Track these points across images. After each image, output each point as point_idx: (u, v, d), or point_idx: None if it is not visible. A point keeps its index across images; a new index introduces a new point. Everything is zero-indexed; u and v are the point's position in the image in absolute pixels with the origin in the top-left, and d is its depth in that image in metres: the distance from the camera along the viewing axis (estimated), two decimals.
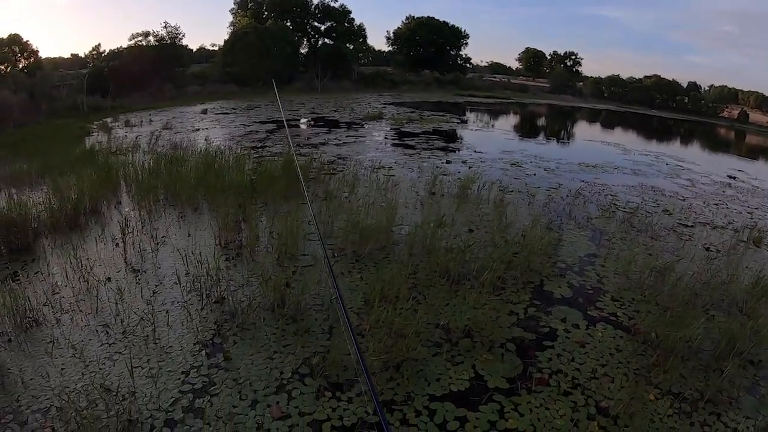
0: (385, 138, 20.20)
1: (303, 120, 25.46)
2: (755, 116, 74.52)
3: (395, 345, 4.95)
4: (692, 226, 10.92)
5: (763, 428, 4.76)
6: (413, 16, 65.05)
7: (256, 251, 7.34)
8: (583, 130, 36.25)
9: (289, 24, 53.48)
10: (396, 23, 73.02)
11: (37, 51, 39.94)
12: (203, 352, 4.96)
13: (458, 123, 27.93)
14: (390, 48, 67.99)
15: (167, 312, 5.63)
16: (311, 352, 5.02)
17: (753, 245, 10.26)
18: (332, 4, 57.10)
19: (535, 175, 14.50)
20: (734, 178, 19.79)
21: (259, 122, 23.10)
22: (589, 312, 6.41)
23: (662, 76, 75.60)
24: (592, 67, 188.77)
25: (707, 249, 9.54)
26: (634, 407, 4.65)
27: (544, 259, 7.66)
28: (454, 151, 17.77)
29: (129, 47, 44.05)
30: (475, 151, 17.83)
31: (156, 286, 6.28)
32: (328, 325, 5.53)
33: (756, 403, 5.12)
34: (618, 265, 7.97)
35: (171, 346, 5.02)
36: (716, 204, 13.69)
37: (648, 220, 10.66)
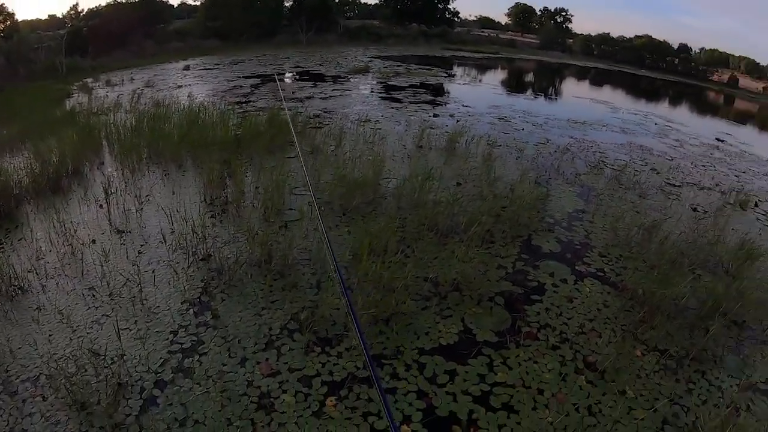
0: (372, 92, 19.95)
1: (288, 74, 25.11)
2: (745, 82, 74.44)
3: (384, 299, 4.94)
4: (680, 186, 10.95)
5: (746, 387, 4.83)
6: None
7: (242, 207, 7.27)
8: (571, 87, 36.15)
9: None
10: None
11: (14, 14, 38.67)
12: (191, 311, 4.93)
13: (445, 77, 27.70)
14: (377, 1, 67.00)
15: (153, 272, 5.57)
16: (299, 307, 5.00)
17: (740, 208, 10.33)
18: None
19: (523, 130, 14.42)
20: (722, 141, 19.82)
21: (243, 77, 22.73)
22: (577, 267, 6.43)
23: (653, 37, 75.32)
24: (583, 24, 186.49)
25: (694, 209, 9.59)
26: (621, 363, 4.70)
27: (533, 213, 7.64)
28: (442, 105, 17.58)
29: (108, 5, 42.88)
30: (463, 105, 17.68)
31: (141, 246, 6.20)
32: (315, 280, 5.50)
33: (739, 363, 5.21)
34: (606, 222, 7.99)
35: (158, 307, 4.99)
36: (704, 166, 13.72)
37: (636, 178, 10.66)
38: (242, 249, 5.99)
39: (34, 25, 53.68)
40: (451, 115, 15.26)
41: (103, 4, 43.46)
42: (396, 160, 9.79)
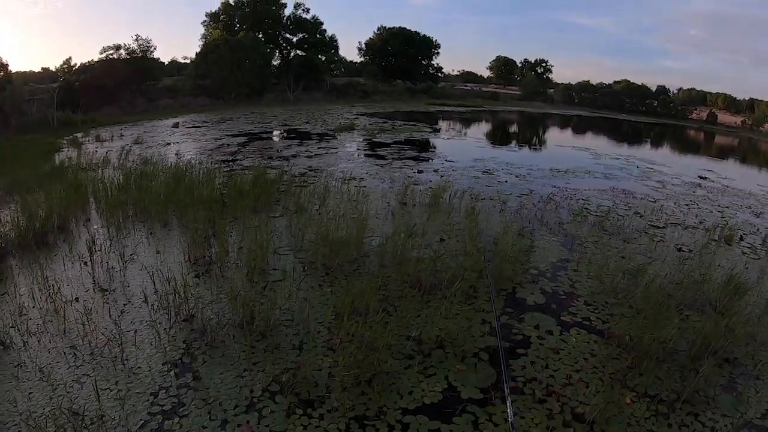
0: (357, 149, 20.16)
1: (275, 132, 25.34)
2: (723, 117, 76.75)
3: (366, 358, 4.87)
4: (664, 227, 11.01)
5: (741, 426, 4.77)
6: (385, 27, 65.70)
7: (225, 267, 7.23)
8: (554, 135, 36.61)
9: (261, 36, 53.18)
10: (368, 34, 73.23)
11: (7, 65, 38.90)
12: (172, 372, 4.85)
13: (430, 132, 28.06)
14: (362, 59, 68.37)
15: (135, 332, 5.50)
16: (282, 368, 4.92)
17: (725, 243, 10.39)
18: (304, 15, 56.99)
19: (506, 182, 14.54)
20: (704, 178, 20.10)
21: (230, 135, 23.06)
22: (562, 317, 6.40)
23: (631, 81, 77.38)
24: (563, 73, 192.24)
25: (679, 249, 9.62)
26: (610, 411, 4.61)
27: (517, 266, 7.63)
28: (426, 161, 17.80)
29: (100, 60, 43.28)
30: (447, 160, 17.88)
31: (124, 305, 6.13)
32: (298, 341, 5.43)
33: (733, 401, 5.14)
34: (591, 269, 8.00)
35: (139, 367, 4.90)
36: (687, 204, 13.84)
37: (620, 223, 10.74)
38: (225, 310, 5.95)
39: (27, 76, 54.25)
40: (435, 171, 15.40)
41: (96, 59, 43.86)
42: (380, 217, 9.81)
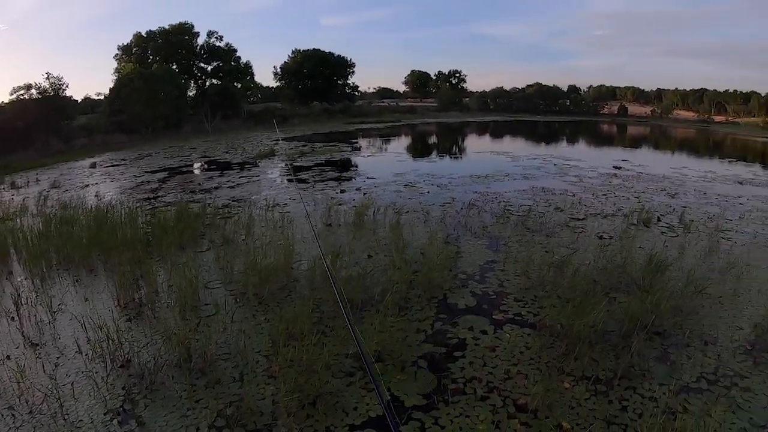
0: (279, 175, 20.04)
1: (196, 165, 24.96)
2: (633, 108, 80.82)
3: (308, 381, 4.86)
4: (584, 219, 11.43)
5: (678, 391, 5.05)
6: (299, 50, 65.26)
7: (157, 307, 7.06)
8: (472, 143, 37.37)
9: (174, 67, 52.08)
10: (283, 58, 72.72)
11: None
12: (114, 420, 4.68)
13: (350, 151, 28.14)
14: (278, 83, 67.67)
15: (72, 384, 5.28)
16: (225, 402, 4.84)
17: (643, 226, 10.88)
18: (218, 43, 56.01)
19: (428, 193, 14.79)
20: (619, 168, 20.96)
21: (150, 172, 22.50)
22: (494, 316, 6.57)
23: (543, 83, 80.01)
24: (478, 82, 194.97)
25: (600, 237, 10.01)
26: (552, 398, 4.77)
27: (445, 273, 7.77)
28: (348, 180, 17.87)
29: (10, 102, 41.28)
30: (369, 177, 18.02)
31: (57, 358, 5.90)
32: (238, 373, 5.36)
33: (668, 370, 5.45)
34: (517, 267, 8.25)
35: (81, 420, 4.71)
36: (604, 194, 14.40)
37: (541, 220, 11.10)
38: (161, 350, 5.80)
39: None
40: (358, 189, 15.49)
41: (6, 100, 41.71)
42: (306, 241, 9.77)
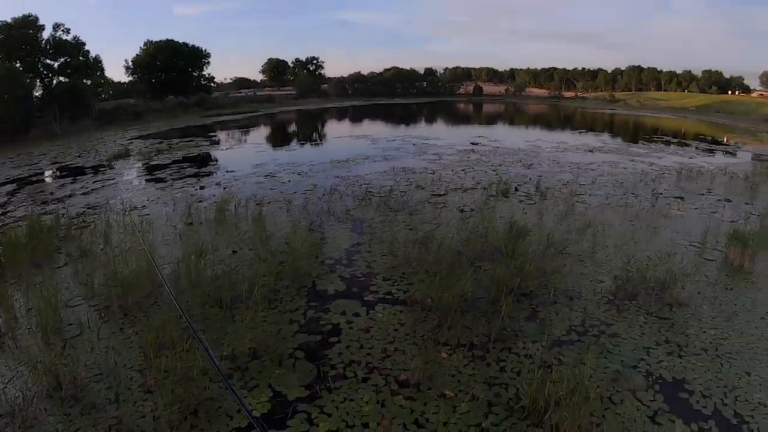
0: (136, 176, 19.01)
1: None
2: (488, 88, 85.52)
3: (186, 391, 4.66)
4: (445, 195, 11.81)
5: (550, 346, 5.46)
6: (151, 41, 61.74)
7: (18, 335, 6.36)
8: (332, 128, 37.61)
9: (18, 65, 48.04)
10: (135, 51, 68.50)
11: None
12: None
13: (208, 145, 27.23)
14: (131, 77, 63.75)
15: None
16: (104, 427, 4.52)
17: (502, 197, 11.40)
18: (64, 37, 51.80)
19: (289, 181, 14.68)
20: (476, 144, 21.89)
21: None
22: (365, 298, 6.66)
23: (401, 67, 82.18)
24: (339, 68, 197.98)
25: (462, 210, 10.39)
26: (431, 369, 4.92)
27: (312, 260, 7.76)
28: (207, 175, 17.19)
29: None
30: (228, 171, 17.57)
31: None
32: (113, 394, 5.00)
33: (538, 327, 5.87)
34: (383, 247, 8.39)
35: None
36: (463, 170, 14.94)
37: (403, 199, 11.36)
38: (28, 383, 5.28)
39: None
40: (218, 184, 15.05)
41: None
42: (168, 243, 9.34)
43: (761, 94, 74.18)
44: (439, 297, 6.07)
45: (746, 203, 12.34)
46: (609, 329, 5.92)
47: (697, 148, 24.69)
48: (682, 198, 12.68)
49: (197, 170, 18.26)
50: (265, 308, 6.31)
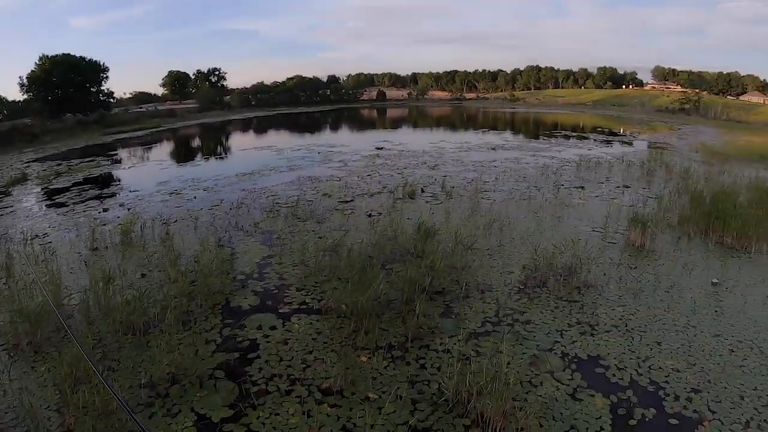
0: (36, 201, 18.22)
1: None
2: (391, 93, 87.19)
3: (108, 426, 4.56)
4: (352, 201, 12.02)
5: (467, 338, 5.77)
6: (47, 55, 58.59)
7: None
8: (236, 141, 37.02)
9: None
10: (30, 66, 64.52)
11: None
12: None
13: (110, 165, 26.13)
14: (26, 95, 60.18)
15: None
16: None
17: (409, 199, 11.66)
18: None
19: (195, 198, 14.42)
20: (381, 148, 22.26)
21: None
22: (280, 310, 6.72)
23: (303, 76, 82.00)
24: (240, 78, 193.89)
25: (370, 215, 10.60)
26: (353, 374, 5.05)
27: (223, 277, 7.70)
28: (111, 196, 16.44)
29: None
30: (131, 191, 16.93)
31: None
32: None
33: (454, 322, 6.16)
34: (293, 258, 8.46)
35: None
36: (369, 175, 15.18)
37: (310, 208, 11.47)
38: None
39: None
40: (122, 205, 14.49)
41: None
42: (74, 271, 8.96)
43: (653, 87, 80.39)
44: (353, 302, 6.19)
45: (643, 188, 13.26)
46: (522, 317, 6.31)
47: (595, 140, 26.14)
48: (582, 187, 13.45)
49: (99, 192, 17.56)
50: (179, 330, 6.20)
